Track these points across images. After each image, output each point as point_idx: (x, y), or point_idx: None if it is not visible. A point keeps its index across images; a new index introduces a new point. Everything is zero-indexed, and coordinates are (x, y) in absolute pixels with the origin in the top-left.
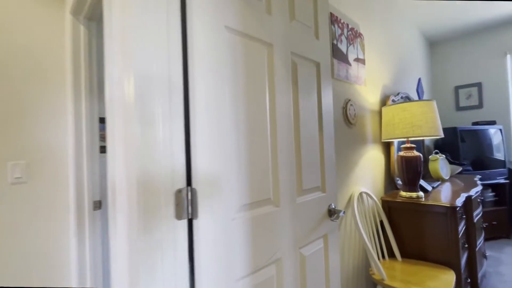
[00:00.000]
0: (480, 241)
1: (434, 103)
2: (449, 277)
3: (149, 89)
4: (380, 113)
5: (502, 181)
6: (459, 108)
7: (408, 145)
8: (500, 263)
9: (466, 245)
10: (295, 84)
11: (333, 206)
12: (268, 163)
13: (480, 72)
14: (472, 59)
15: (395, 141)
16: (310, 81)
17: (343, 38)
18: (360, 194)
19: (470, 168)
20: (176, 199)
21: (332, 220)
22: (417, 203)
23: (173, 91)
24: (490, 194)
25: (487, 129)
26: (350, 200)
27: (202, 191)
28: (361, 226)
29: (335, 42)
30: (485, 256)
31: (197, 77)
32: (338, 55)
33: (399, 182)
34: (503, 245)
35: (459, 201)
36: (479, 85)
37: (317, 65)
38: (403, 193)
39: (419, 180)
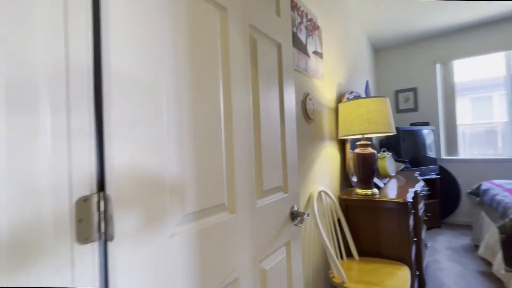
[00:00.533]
0: (423, 233)
1: (388, 100)
2: (404, 273)
3: (30, 73)
4: (336, 110)
5: (434, 176)
6: (398, 111)
7: (364, 142)
8: (436, 252)
9: (415, 239)
10: (254, 66)
11: (296, 208)
12: (222, 160)
13: (416, 78)
14: (409, 66)
15: (350, 139)
16: (271, 64)
17: (302, 27)
18: (319, 193)
19: (408, 165)
20: (79, 213)
21: (295, 225)
22: (372, 200)
23: (72, 74)
24: (425, 188)
25: (422, 130)
26: (309, 200)
27: (121, 198)
28: (322, 228)
29: (294, 30)
30: (426, 247)
31: (114, 50)
32: (297, 44)
33: (354, 179)
34: (436, 234)
35: (410, 196)
36: (415, 90)
37: (279, 47)
38: (359, 191)
39: (373, 177)
